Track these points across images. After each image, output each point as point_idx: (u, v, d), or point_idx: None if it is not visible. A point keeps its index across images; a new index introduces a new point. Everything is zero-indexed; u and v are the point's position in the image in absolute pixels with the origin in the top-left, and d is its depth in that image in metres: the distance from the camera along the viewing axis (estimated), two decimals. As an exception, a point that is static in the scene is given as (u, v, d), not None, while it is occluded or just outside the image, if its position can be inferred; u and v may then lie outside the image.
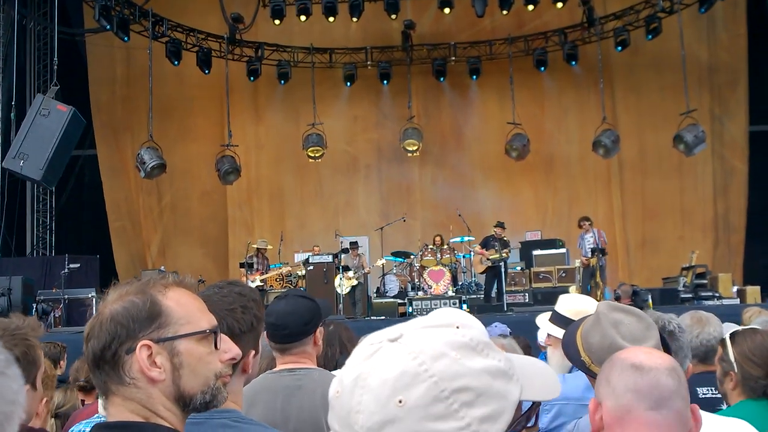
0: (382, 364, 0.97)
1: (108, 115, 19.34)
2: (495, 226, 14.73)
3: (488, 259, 14.21)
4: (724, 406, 2.94)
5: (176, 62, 17.55)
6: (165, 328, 1.51)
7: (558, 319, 3.41)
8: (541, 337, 3.63)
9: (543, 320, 3.55)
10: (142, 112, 17.47)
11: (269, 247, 15.69)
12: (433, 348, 0.97)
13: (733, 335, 2.96)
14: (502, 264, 14.14)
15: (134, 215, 19.46)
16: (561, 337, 2.89)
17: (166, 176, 16.93)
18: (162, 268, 16.23)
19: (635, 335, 2.07)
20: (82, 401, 4.65)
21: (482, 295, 14.93)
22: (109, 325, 1.50)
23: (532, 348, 4.93)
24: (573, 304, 3.43)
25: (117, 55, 19.07)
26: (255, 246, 15.44)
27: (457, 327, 1.02)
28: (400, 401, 0.95)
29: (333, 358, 3.89)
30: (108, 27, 15.86)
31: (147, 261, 18.99)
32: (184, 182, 19.30)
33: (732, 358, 2.87)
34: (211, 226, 19.66)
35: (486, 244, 14.52)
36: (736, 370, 2.85)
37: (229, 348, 1.61)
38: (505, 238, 14.50)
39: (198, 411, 1.56)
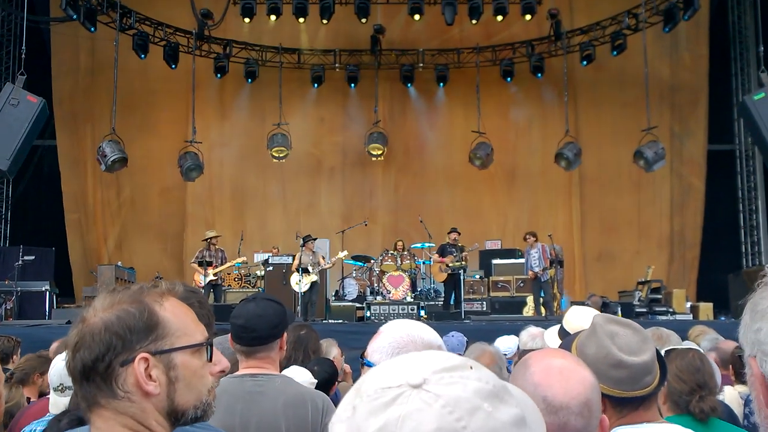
0: (414, 416, 0.89)
1: (70, 106, 19.05)
2: (449, 233, 14.67)
3: (448, 266, 14.24)
4: None
5: (143, 55, 17.33)
6: (162, 340, 1.45)
7: (565, 336, 3.38)
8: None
9: (552, 338, 3.53)
10: (105, 104, 17.25)
11: (219, 235, 14.93)
12: (467, 400, 0.90)
13: (668, 352, 3.06)
14: (461, 271, 14.18)
15: (91, 208, 19.16)
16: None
17: (126, 170, 16.69)
18: (119, 263, 16.00)
19: (631, 347, 2.04)
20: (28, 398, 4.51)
21: (440, 302, 14.98)
22: (104, 335, 1.42)
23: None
24: (578, 319, 3.40)
25: (82, 45, 18.80)
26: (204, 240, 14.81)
27: (471, 367, 0.96)
28: None
29: (296, 363, 3.88)
30: (75, 17, 15.60)
31: (102, 255, 18.69)
32: (145, 177, 19.05)
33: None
34: (170, 222, 19.44)
35: (443, 251, 14.51)
36: (665, 385, 2.96)
37: (219, 360, 1.58)
38: (460, 244, 14.53)
39: (185, 425, 1.51)
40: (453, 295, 14.48)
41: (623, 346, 2.04)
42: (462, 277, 14.19)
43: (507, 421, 0.91)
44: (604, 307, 10.50)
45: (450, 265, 14.20)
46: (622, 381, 1.97)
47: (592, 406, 1.55)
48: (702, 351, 3.30)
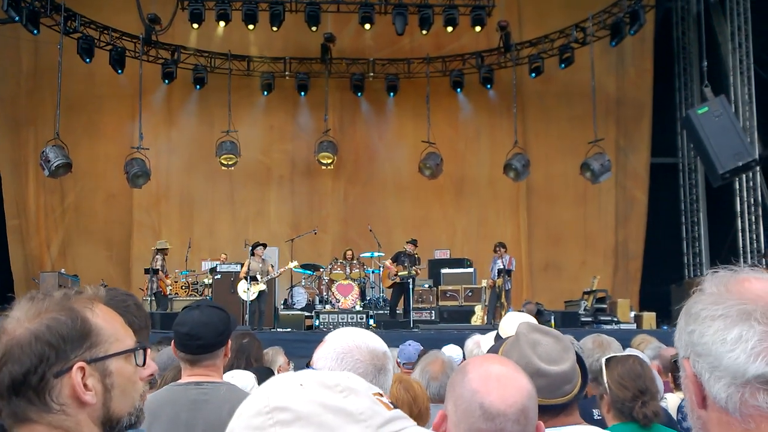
0: None
1: (11, 109, 18.58)
2: (407, 243, 14.75)
3: (396, 275, 14.26)
4: None
5: (88, 60, 17.00)
6: (96, 347, 1.40)
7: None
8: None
9: (488, 343, 3.52)
10: (48, 108, 16.90)
11: (169, 246, 15.23)
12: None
13: (609, 360, 3.09)
14: (410, 281, 14.20)
15: (33, 214, 18.67)
16: None
17: (70, 175, 16.36)
18: (62, 270, 15.63)
19: (551, 356, 2.07)
20: None
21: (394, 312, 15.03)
22: (35, 346, 1.35)
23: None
24: (514, 327, 3.43)
25: (24, 48, 18.36)
26: (155, 248, 15.02)
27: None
28: None
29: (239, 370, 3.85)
30: (17, 18, 15.26)
31: (45, 262, 18.24)
32: (90, 182, 18.68)
33: (605, 381, 3.01)
34: (116, 229, 19.08)
35: (396, 259, 14.56)
36: (608, 393, 2.99)
37: (149, 364, 1.53)
38: (416, 255, 14.57)
39: None
40: (399, 303, 14.51)
41: (543, 355, 2.07)
42: (411, 287, 14.21)
43: None
44: (539, 315, 10.66)
45: (399, 273, 14.22)
46: (541, 389, 1.98)
47: (529, 413, 1.56)
48: (642, 356, 3.34)
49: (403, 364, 4.99)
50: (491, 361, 1.68)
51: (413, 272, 14.26)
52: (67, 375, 1.36)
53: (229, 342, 2.84)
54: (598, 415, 3.24)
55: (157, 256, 14.83)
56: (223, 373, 3.68)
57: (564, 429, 2.08)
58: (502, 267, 13.92)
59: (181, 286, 15.80)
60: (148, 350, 1.53)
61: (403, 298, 14.40)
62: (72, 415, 1.37)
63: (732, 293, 1.22)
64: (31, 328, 1.37)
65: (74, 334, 1.38)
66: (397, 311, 14.67)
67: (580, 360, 2.16)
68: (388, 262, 14.69)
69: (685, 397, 1.29)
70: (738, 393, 1.16)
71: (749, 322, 1.19)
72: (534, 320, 2.23)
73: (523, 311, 10.70)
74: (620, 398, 2.97)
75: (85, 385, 1.37)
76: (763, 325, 1.18)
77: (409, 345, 5.21)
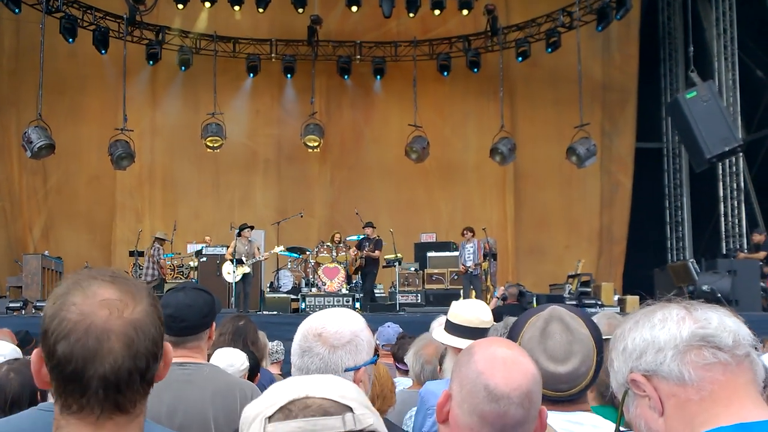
0: None
1: (-7, 90, 18.40)
2: (364, 227, 14.76)
3: (356, 260, 14.27)
4: None
5: (71, 40, 16.84)
6: None
7: (453, 329, 3.40)
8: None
9: (440, 332, 3.49)
10: (30, 88, 16.72)
11: (168, 239, 15.53)
12: None
13: (605, 342, 3.08)
14: (370, 263, 14.36)
15: (16, 196, 18.54)
16: (461, 347, 2.95)
17: (53, 157, 16.20)
18: (46, 252, 15.52)
19: (557, 354, 2.07)
20: None
21: (377, 294, 15.10)
22: (152, 330, 1.31)
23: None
24: (464, 312, 3.42)
25: (6, 27, 18.17)
26: (157, 236, 15.27)
27: None
28: None
29: None
30: (-2, -3, 15.09)
31: (28, 244, 18.12)
32: (73, 164, 18.56)
33: None
34: (99, 211, 18.98)
35: (360, 245, 14.65)
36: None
37: None
38: (376, 237, 14.62)
39: None
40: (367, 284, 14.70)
41: (550, 350, 2.07)
42: (374, 271, 14.52)
43: None
44: (521, 296, 10.64)
45: (357, 258, 14.43)
46: (545, 382, 1.99)
47: (533, 397, 1.56)
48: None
49: (383, 345, 5.02)
50: (498, 344, 1.67)
51: (364, 255, 14.38)
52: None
53: (213, 324, 2.85)
54: None
55: (155, 245, 14.99)
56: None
57: (566, 415, 2.08)
58: (472, 252, 14.00)
59: (167, 269, 15.76)
60: None
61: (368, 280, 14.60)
62: None
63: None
64: (144, 310, 1.34)
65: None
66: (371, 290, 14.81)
67: (599, 352, 2.14)
68: (352, 251, 14.74)
69: (638, 425, 1.39)
70: (686, 357, 1.29)
71: (665, 307, 1.37)
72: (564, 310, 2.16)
73: (504, 294, 10.79)
74: (604, 381, 2.96)
75: None
76: (675, 303, 1.37)
77: (388, 327, 5.24)
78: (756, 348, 1.33)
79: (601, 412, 2.46)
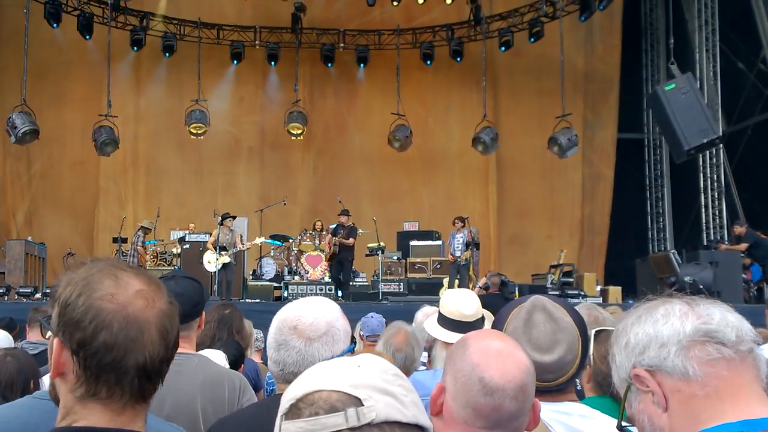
0: None
1: (-24, 75, 18.24)
2: (339, 215, 14.72)
3: (335, 245, 14.34)
4: None
5: (55, 25, 16.74)
6: None
7: (445, 323, 3.39)
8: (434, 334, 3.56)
9: (432, 326, 3.45)
10: (14, 73, 16.63)
11: (152, 228, 15.55)
12: None
13: (598, 333, 3.11)
14: (343, 251, 14.28)
15: (0, 181, 18.44)
16: (452, 341, 2.88)
17: (37, 142, 16.13)
18: (29, 238, 15.47)
19: (541, 343, 2.06)
20: None
21: (359, 283, 15.11)
22: (178, 321, 1.38)
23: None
24: (456, 305, 3.40)
25: (-11, 12, 18.00)
26: (143, 225, 15.34)
27: None
28: None
29: (220, 342, 3.90)
30: (-19, -19, 14.95)
31: (11, 230, 18.04)
32: (56, 150, 18.47)
33: (591, 353, 3.05)
34: (81, 197, 18.92)
35: (335, 233, 14.63)
36: (591, 365, 3.03)
37: None
38: (351, 225, 14.58)
39: None
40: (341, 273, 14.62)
41: (534, 339, 2.06)
42: (350, 258, 14.42)
43: None
44: (503, 286, 10.63)
45: (331, 244, 14.37)
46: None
47: (527, 390, 1.57)
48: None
49: (367, 336, 4.87)
50: (492, 337, 1.68)
51: (336, 242, 14.33)
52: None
53: (203, 314, 2.84)
54: (578, 386, 3.29)
55: (139, 233, 15.07)
56: (207, 345, 3.73)
57: (554, 405, 2.07)
58: (462, 242, 14.04)
59: (150, 256, 15.75)
60: None
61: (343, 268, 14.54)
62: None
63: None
64: (168, 300, 1.39)
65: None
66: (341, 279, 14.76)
67: (584, 341, 2.14)
68: (328, 238, 14.75)
69: (641, 420, 1.38)
70: (690, 353, 1.28)
71: (667, 302, 1.36)
72: (547, 299, 2.15)
73: (487, 283, 10.85)
74: (602, 372, 2.97)
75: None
76: (677, 299, 1.36)
77: (372, 317, 5.02)
78: (758, 343, 1.33)
79: (599, 403, 2.46)
